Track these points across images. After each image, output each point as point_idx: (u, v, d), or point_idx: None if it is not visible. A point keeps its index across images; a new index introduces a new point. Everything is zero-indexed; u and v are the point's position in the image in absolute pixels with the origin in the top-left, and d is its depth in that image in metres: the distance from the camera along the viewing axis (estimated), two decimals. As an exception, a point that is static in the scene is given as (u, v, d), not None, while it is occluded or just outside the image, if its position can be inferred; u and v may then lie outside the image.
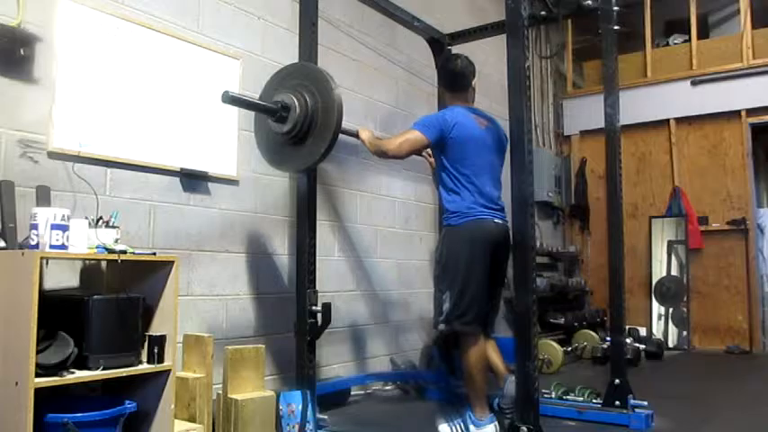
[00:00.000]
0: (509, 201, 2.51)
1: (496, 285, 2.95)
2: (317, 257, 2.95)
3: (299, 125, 2.66)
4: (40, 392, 1.86)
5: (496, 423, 2.81)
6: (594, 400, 3.36)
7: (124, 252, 2.16)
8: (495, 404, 2.87)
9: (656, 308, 6.39)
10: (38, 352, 1.89)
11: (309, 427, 2.74)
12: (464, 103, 3.06)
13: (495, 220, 2.88)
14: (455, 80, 3.10)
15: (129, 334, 2.19)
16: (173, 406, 2.26)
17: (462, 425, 2.88)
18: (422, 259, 4.63)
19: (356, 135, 3.07)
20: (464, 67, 3.09)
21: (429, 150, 3.72)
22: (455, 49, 4.25)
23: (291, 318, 2.92)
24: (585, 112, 6.75)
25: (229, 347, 2.68)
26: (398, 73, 4.55)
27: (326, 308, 2.85)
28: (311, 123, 2.66)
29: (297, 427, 2.71)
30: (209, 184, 3.11)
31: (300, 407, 2.74)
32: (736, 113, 6.12)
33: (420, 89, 4.70)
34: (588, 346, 5.39)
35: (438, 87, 3.03)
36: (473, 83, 3.09)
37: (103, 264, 2.43)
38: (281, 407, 2.71)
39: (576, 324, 5.73)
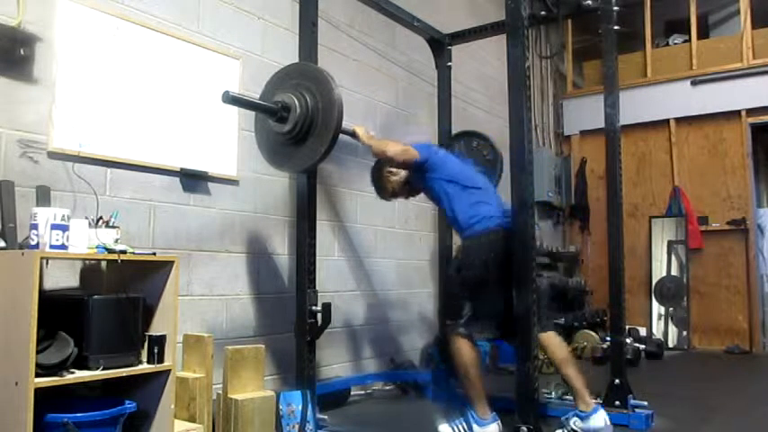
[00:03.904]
0: (509, 201, 2.51)
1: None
2: (317, 257, 2.95)
3: (299, 125, 2.66)
4: (40, 392, 1.86)
5: (499, 422, 2.79)
6: (594, 401, 3.36)
7: (124, 252, 2.16)
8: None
9: (656, 308, 6.39)
10: (38, 352, 1.89)
11: (309, 427, 2.74)
12: None
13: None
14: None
15: (129, 334, 2.19)
16: (173, 406, 2.26)
17: (465, 425, 2.85)
18: (422, 259, 4.63)
19: (353, 134, 3.09)
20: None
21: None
22: (455, 49, 4.25)
23: (291, 318, 2.92)
24: (585, 112, 6.75)
25: (229, 347, 2.68)
26: (398, 73, 4.55)
27: (326, 308, 2.85)
28: (311, 123, 2.66)
29: (297, 427, 2.71)
30: (209, 184, 3.11)
31: (300, 407, 2.74)
32: (736, 113, 6.12)
33: (420, 89, 4.70)
34: (588, 346, 5.38)
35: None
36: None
37: (103, 264, 2.43)
38: (281, 407, 2.71)
39: (575, 324, 5.73)
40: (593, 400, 2.93)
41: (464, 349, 2.80)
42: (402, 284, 4.42)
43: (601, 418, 2.86)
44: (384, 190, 3.27)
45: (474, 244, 2.87)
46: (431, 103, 4.41)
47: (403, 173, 3.15)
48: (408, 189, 3.25)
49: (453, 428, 2.87)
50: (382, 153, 3.03)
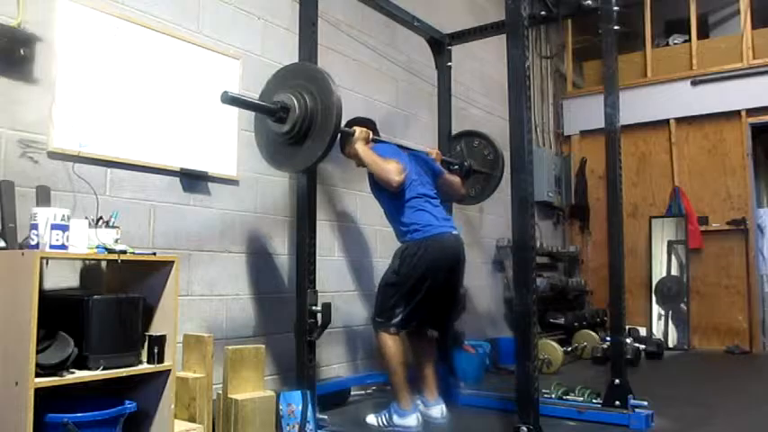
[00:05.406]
0: (509, 201, 2.51)
1: (452, 293, 3.20)
2: (317, 257, 2.95)
3: (297, 125, 2.66)
4: (40, 392, 1.86)
5: (419, 414, 3.04)
6: (594, 400, 3.36)
7: (124, 252, 2.16)
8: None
9: (656, 308, 6.39)
10: (38, 352, 1.89)
11: (309, 427, 2.74)
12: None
13: (453, 233, 3.13)
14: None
15: (129, 334, 2.19)
16: (173, 406, 2.26)
17: (387, 415, 3.07)
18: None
19: (352, 135, 3.08)
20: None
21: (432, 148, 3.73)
22: (455, 49, 4.25)
23: (291, 318, 2.92)
24: (585, 112, 6.75)
25: (229, 347, 2.68)
26: (398, 73, 4.55)
27: (326, 308, 2.85)
28: (310, 124, 2.66)
29: (297, 427, 2.71)
30: (209, 184, 3.11)
31: (300, 407, 2.74)
32: (736, 113, 6.12)
33: (420, 89, 4.70)
34: (588, 346, 5.39)
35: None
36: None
37: (103, 264, 2.44)
38: (281, 407, 2.71)
39: (575, 324, 5.73)
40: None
41: (390, 345, 3.00)
42: (402, 284, 4.41)
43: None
44: (343, 149, 3.32)
45: (411, 250, 3.03)
46: (431, 103, 4.41)
47: None
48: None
49: (378, 420, 3.10)
50: (365, 164, 3.10)
